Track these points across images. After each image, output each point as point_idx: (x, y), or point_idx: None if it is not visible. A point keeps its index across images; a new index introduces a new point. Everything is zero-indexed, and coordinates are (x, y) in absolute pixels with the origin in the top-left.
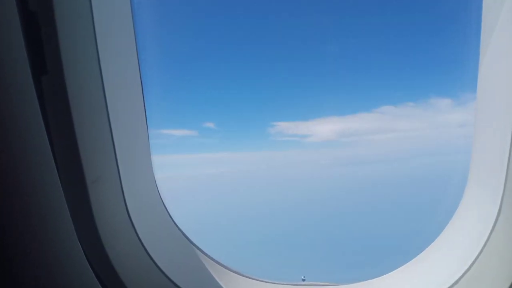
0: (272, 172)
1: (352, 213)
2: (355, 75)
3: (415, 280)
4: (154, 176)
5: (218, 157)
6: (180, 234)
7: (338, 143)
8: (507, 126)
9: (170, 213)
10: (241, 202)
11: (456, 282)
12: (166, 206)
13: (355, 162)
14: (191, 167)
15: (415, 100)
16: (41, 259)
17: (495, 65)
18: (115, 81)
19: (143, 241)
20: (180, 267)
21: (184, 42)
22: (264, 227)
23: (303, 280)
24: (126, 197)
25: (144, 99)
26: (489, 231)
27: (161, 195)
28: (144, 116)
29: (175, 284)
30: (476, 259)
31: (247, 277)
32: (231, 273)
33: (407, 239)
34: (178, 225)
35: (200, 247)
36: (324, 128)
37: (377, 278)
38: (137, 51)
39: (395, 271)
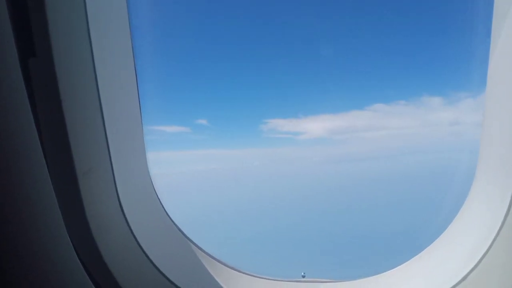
0: (265, 169)
1: (352, 210)
2: (348, 73)
3: (419, 277)
4: (148, 169)
5: (211, 153)
6: (175, 228)
7: (331, 140)
8: None
9: (165, 207)
10: (234, 198)
11: (464, 278)
12: (160, 200)
13: (348, 159)
14: (184, 164)
15: (407, 98)
16: (29, 255)
17: (505, 59)
18: (109, 67)
19: (136, 235)
20: (175, 263)
21: (179, 39)
22: (258, 223)
23: (303, 276)
24: (119, 190)
25: (139, 90)
26: (498, 226)
27: (155, 188)
28: (139, 108)
29: (170, 281)
30: (484, 255)
31: (244, 273)
32: (228, 269)
33: (408, 236)
34: (173, 219)
35: (195, 242)
36: (317, 125)
37: (379, 275)
38: (131, 42)
39: (397, 268)
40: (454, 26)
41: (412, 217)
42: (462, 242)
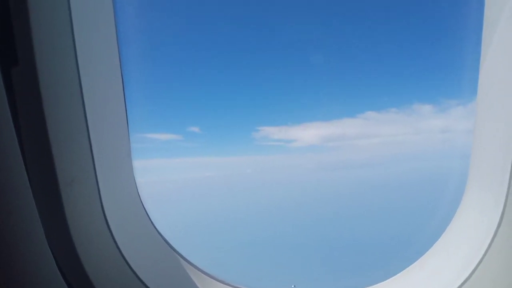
0: (258, 176)
1: (344, 218)
2: (339, 80)
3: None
4: (134, 179)
5: (203, 161)
6: (162, 241)
7: (323, 147)
8: (510, 128)
9: (152, 219)
10: (226, 206)
11: None
12: (147, 211)
13: (341, 166)
14: (176, 172)
15: (398, 106)
16: (8, 268)
17: (496, 65)
18: (94, 76)
19: (121, 247)
20: (162, 278)
21: (170, 46)
22: (251, 232)
23: None
24: (103, 201)
25: (125, 98)
26: (491, 235)
27: (141, 199)
28: (125, 116)
29: None
30: (477, 265)
31: (233, 287)
32: (217, 282)
33: (402, 245)
34: (160, 231)
35: (184, 255)
36: (309, 133)
37: (372, 286)
38: (118, 49)
39: (390, 279)
40: (444, 33)
41: (406, 225)
42: (455, 252)
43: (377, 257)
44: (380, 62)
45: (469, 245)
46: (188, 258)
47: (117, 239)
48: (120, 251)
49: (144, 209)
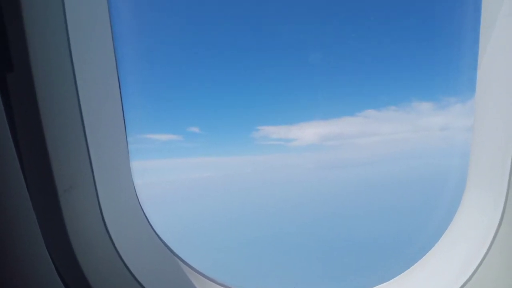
0: (258, 176)
1: (341, 219)
2: (339, 79)
3: None
4: (133, 182)
5: (203, 161)
6: (162, 244)
7: (322, 146)
8: (510, 126)
9: (152, 223)
10: (226, 206)
11: None
12: (146, 214)
13: (341, 165)
14: (176, 172)
15: (398, 104)
16: (8, 276)
17: (494, 65)
18: (90, 80)
19: (120, 253)
20: (162, 281)
21: (169, 47)
22: (252, 232)
23: None
24: (102, 207)
25: (122, 100)
26: (492, 235)
27: (140, 202)
28: (122, 119)
29: None
30: (478, 266)
31: None
32: (217, 286)
33: (401, 247)
34: (161, 235)
35: (183, 258)
36: (308, 132)
37: None
38: (114, 51)
39: (391, 280)
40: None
41: (406, 225)
42: (456, 253)
43: (377, 257)
44: (379, 60)
45: (470, 246)
46: (188, 261)
47: (116, 244)
48: (119, 256)
49: (143, 212)
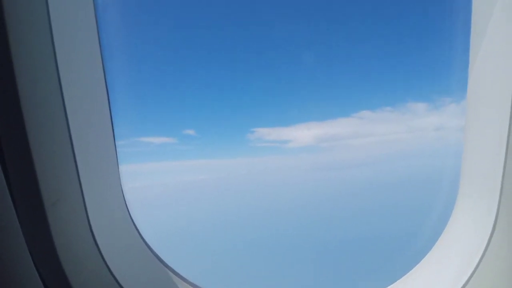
0: (253, 178)
1: (338, 218)
2: (333, 80)
3: None
4: (122, 192)
5: (198, 164)
6: (153, 256)
7: (318, 148)
8: (502, 128)
9: (141, 231)
10: (221, 209)
11: None
12: (136, 224)
13: (336, 166)
14: (171, 175)
15: (393, 104)
16: None
17: (486, 66)
18: (76, 86)
19: (110, 266)
20: None
21: (163, 50)
22: (248, 234)
23: None
24: (90, 220)
25: (111, 107)
26: (485, 242)
27: (130, 214)
28: (111, 126)
29: None
30: (472, 274)
31: None
32: None
33: (395, 253)
34: (150, 243)
35: (175, 269)
36: (303, 133)
37: None
38: (101, 53)
39: None
40: (436, 31)
41: (400, 227)
42: (449, 261)
43: (371, 266)
44: (374, 62)
45: (463, 254)
46: (179, 271)
47: (105, 256)
48: (108, 268)
49: (133, 223)
